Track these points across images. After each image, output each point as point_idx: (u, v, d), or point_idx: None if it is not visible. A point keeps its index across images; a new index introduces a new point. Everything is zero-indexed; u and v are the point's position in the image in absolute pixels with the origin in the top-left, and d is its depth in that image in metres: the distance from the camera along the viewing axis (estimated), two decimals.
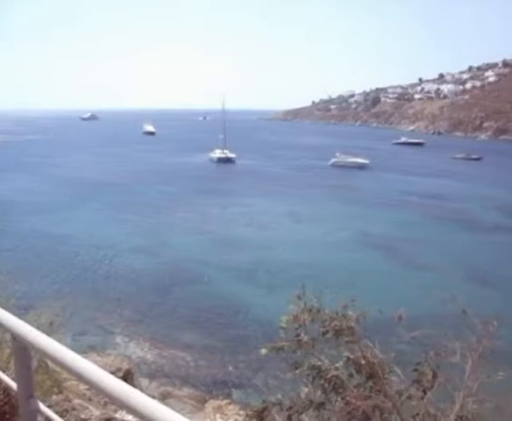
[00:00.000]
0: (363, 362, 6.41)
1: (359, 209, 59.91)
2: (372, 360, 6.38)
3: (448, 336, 6.10)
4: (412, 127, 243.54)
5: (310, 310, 6.85)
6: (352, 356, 6.52)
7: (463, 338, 6.07)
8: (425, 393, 6.32)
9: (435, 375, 6.15)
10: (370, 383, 6.42)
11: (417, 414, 6.11)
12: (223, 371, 23.16)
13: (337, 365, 6.53)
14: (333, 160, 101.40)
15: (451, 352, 6.11)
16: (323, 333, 6.68)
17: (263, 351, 6.96)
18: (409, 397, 6.24)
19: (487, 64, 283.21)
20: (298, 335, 6.75)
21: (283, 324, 6.84)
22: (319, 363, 6.53)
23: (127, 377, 18.11)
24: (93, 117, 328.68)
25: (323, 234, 48.05)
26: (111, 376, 2.44)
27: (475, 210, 61.52)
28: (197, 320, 28.67)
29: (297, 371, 6.68)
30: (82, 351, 19.86)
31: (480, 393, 5.87)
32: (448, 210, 61.50)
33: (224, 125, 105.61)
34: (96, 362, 3.14)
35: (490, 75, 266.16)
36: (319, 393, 6.57)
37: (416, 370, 6.40)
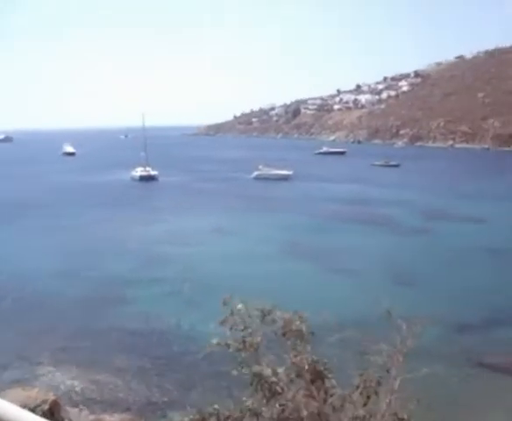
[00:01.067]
0: (306, 367, 6.42)
1: (283, 219, 60.56)
2: (314, 364, 6.41)
3: (374, 338, 6.23)
4: (333, 137, 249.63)
5: (262, 312, 6.85)
6: (294, 360, 6.52)
7: (389, 339, 6.20)
8: (369, 398, 6.40)
9: (379, 383, 6.25)
10: (312, 388, 6.43)
11: (356, 416, 6.18)
12: (155, 391, 22.69)
13: (279, 370, 6.52)
14: (256, 172, 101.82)
15: (378, 353, 6.23)
16: (283, 334, 6.69)
17: (213, 342, 6.91)
18: (351, 402, 6.31)
19: (401, 74, 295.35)
20: (244, 337, 6.74)
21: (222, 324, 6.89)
22: (261, 370, 6.49)
23: (54, 409, 17.34)
24: (7, 139, 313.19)
25: (249, 246, 48.22)
26: (30, 414, 2.26)
27: (396, 215, 63.64)
28: (126, 342, 28.01)
29: (242, 370, 6.65)
30: (6, 386, 18.93)
31: (405, 390, 6.02)
32: (370, 215, 63.35)
33: (146, 143, 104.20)
34: (19, 397, 2.94)
35: (404, 85, 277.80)
36: (260, 399, 6.53)
37: (361, 375, 6.47)
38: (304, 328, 6.66)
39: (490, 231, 55.21)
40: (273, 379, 6.46)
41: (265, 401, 6.49)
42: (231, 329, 6.83)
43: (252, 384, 6.60)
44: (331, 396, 6.33)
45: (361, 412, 6.03)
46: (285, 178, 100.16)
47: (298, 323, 6.66)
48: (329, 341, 6.39)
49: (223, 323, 6.97)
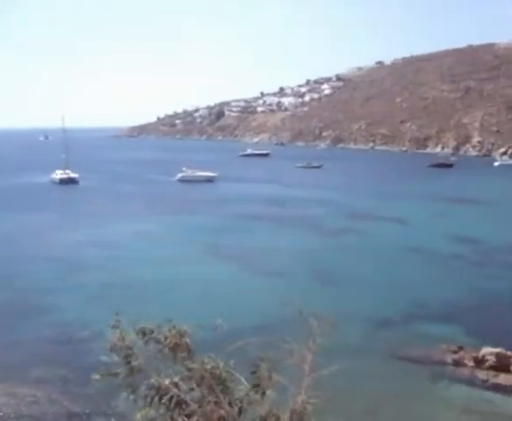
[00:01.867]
0: (205, 375, 6.45)
1: (206, 221, 60.45)
2: (213, 371, 6.46)
3: (287, 338, 6.38)
4: (256, 139, 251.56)
5: (144, 333, 6.79)
6: (190, 370, 6.54)
7: (301, 338, 6.38)
8: (264, 394, 6.50)
9: (270, 377, 6.37)
10: (213, 395, 6.47)
11: (261, 415, 6.28)
12: (78, 402, 22.11)
13: (175, 380, 6.50)
14: (180, 174, 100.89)
15: (290, 352, 6.38)
16: (160, 351, 6.66)
17: (96, 377, 6.77)
18: (251, 402, 6.41)
19: (323, 78, 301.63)
20: (128, 361, 6.65)
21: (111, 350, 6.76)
22: (157, 383, 6.47)
23: None
24: None
25: (172, 249, 47.70)
26: None
27: (318, 215, 64.95)
28: (47, 351, 26.98)
29: (132, 396, 6.55)
30: None
31: (317, 388, 6.20)
32: (292, 216, 64.36)
33: (66, 144, 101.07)
34: None
35: (326, 88, 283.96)
36: (162, 412, 6.49)
37: (253, 373, 6.58)
38: (188, 341, 6.70)
39: (409, 230, 57.36)
40: (174, 389, 6.45)
41: (169, 414, 6.46)
42: (127, 355, 6.70)
43: (147, 397, 6.49)
44: (237, 399, 6.43)
45: (266, 410, 6.16)
46: (209, 180, 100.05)
47: (180, 337, 6.68)
48: (240, 344, 6.51)
49: (112, 350, 6.86)
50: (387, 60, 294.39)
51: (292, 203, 73.72)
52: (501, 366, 25.81)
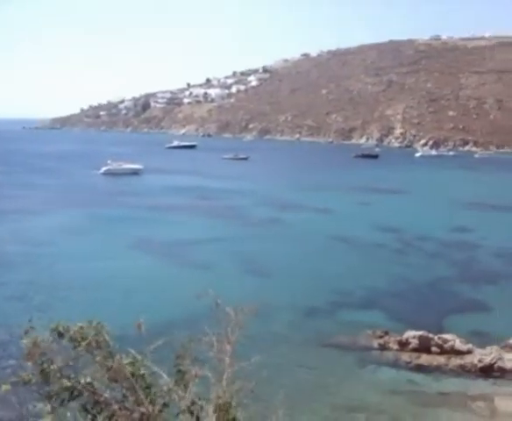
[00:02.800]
0: (125, 373, 6.07)
1: (131, 215, 59.08)
2: (133, 369, 6.09)
3: (207, 330, 6.10)
4: (183, 131, 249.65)
5: (60, 334, 6.24)
6: (109, 369, 6.13)
7: (220, 329, 6.13)
8: (187, 388, 6.20)
9: (192, 371, 6.08)
10: (134, 393, 6.11)
11: (184, 409, 6.00)
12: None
13: (89, 380, 6.06)
14: (105, 167, 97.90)
15: (210, 344, 6.11)
16: (74, 347, 6.18)
17: (3, 387, 6.14)
18: (174, 397, 6.09)
19: (250, 69, 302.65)
20: (43, 368, 6.10)
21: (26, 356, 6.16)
22: (70, 384, 6.00)
23: None
24: None
25: (97, 244, 46.30)
26: None
27: (244, 206, 64.94)
28: None
29: (48, 405, 6.03)
30: None
31: (241, 378, 5.97)
32: (219, 207, 64.03)
33: None
34: None
35: (252, 80, 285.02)
36: (80, 413, 6.06)
37: (175, 367, 6.27)
38: (107, 339, 6.27)
39: (334, 220, 58.31)
40: (91, 389, 6.01)
41: (88, 416, 6.02)
42: (42, 361, 6.12)
43: (63, 401, 6.01)
44: (160, 396, 6.08)
45: (189, 404, 5.86)
46: (135, 173, 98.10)
47: (98, 335, 6.25)
48: (162, 340, 6.09)
49: (27, 358, 6.23)
50: (313, 53, 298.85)
51: (218, 195, 73.38)
52: (423, 347, 26.71)
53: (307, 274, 38.32)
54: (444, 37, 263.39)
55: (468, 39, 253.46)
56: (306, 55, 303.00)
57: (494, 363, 25.41)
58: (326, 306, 32.62)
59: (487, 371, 25.21)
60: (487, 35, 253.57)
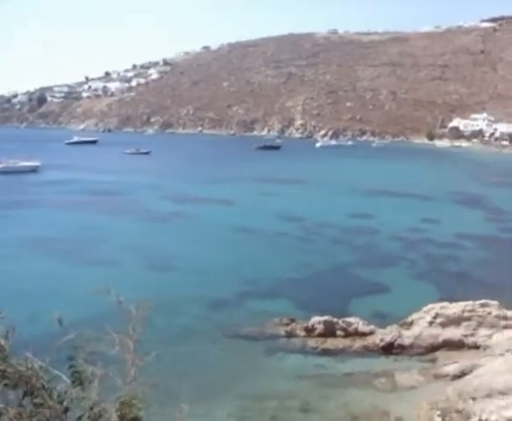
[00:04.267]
0: (21, 377, 5.72)
1: (29, 214, 56.49)
2: (28, 373, 5.75)
3: (107, 329, 5.89)
4: (82, 126, 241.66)
5: None
6: (3, 373, 5.76)
7: (122, 327, 5.93)
8: (88, 388, 5.94)
9: (92, 370, 5.84)
10: (31, 398, 5.78)
11: (86, 410, 5.75)
12: None
13: None
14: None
15: (112, 344, 5.89)
16: None
17: None
18: (74, 399, 5.82)
19: (150, 62, 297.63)
20: None
21: None
22: None
23: None
24: None
25: None
26: None
27: (147, 201, 63.90)
28: None
29: None
30: None
31: (147, 375, 5.83)
32: (121, 203, 62.63)
33: None
34: None
35: (153, 73, 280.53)
36: None
37: (70, 367, 5.98)
38: (2, 342, 5.90)
39: (239, 212, 58.69)
40: None
41: None
42: None
43: None
44: (60, 399, 5.79)
45: (91, 404, 5.63)
46: (33, 170, 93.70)
47: None
48: (60, 340, 5.80)
49: None
50: (214, 45, 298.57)
51: (120, 190, 71.75)
52: (328, 332, 27.50)
53: (212, 266, 38.28)
54: (340, 31, 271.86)
55: (363, 33, 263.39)
56: (207, 48, 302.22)
57: (395, 341, 26.65)
58: (232, 297, 32.77)
59: (388, 349, 26.41)
60: (379, 31, 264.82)
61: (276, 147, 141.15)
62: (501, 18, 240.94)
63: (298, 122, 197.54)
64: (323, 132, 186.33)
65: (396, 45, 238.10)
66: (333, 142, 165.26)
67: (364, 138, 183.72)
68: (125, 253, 41.40)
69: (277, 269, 38.30)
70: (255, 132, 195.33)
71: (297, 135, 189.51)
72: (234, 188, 73.87)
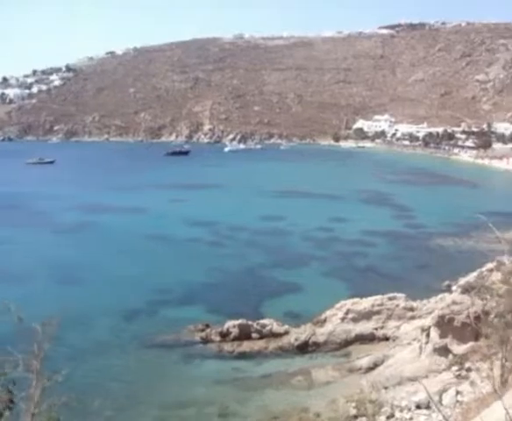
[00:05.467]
0: None
1: None
2: None
3: (9, 350, 5.48)
4: None
5: None
6: None
7: (26, 347, 5.55)
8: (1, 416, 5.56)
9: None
10: None
11: None
12: None
13: None
14: None
15: (15, 365, 5.49)
16: None
17: None
18: None
19: (52, 68, 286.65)
20: None
21: None
22: None
23: None
24: None
25: None
26: None
27: (53, 212, 61.35)
28: None
29: None
30: None
31: (51, 393, 5.49)
32: (27, 216, 59.67)
33: None
34: None
35: (55, 79, 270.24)
36: None
37: None
38: None
39: (148, 219, 57.59)
40: None
41: None
42: None
43: None
44: None
45: None
46: None
47: None
48: None
49: None
50: (119, 50, 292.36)
51: (24, 202, 68.39)
52: (243, 335, 27.66)
53: (123, 277, 37.41)
54: (246, 36, 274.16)
55: (269, 38, 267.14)
56: (111, 53, 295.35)
57: (309, 339, 27.15)
58: (146, 306, 32.20)
59: (303, 347, 26.89)
60: (284, 35, 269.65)
61: (185, 153, 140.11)
62: (398, 26, 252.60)
63: (206, 127, 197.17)
64: (231, 137, 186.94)
65: (301, 49, 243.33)
66: (242, 146, 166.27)
67: (272, 141, 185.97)
68: (31, 268, 39.65)
69: (190, 275, 38.01)
70: (163, 139, 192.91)
71: (206, 140, 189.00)
72: (143, 195, 72.51)
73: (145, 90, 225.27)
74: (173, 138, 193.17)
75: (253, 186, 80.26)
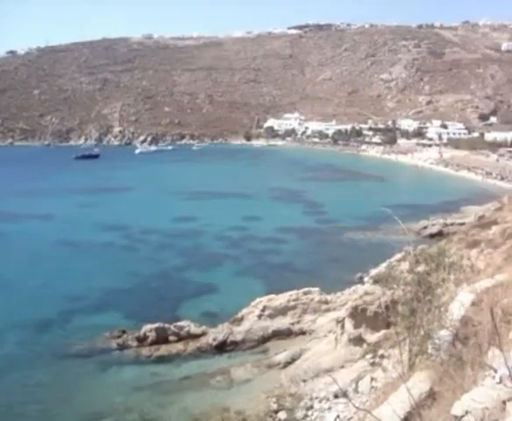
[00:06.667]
0: None
1: None
2: None
3: None
4: None
5: None
6: None
7: None
8: None
9: None
10: None
11: None
12: None
13: None
14: None
15: None
16: None
17: None
18: None
19: None
20: None
21: None
22: None
23: None
24: None
25: None
26: None
27: None
28: None
29: None
30: None
31: None
32: None
33: None
34: None
35: None
36: None
37: None
38: None
39: (58, 226, 55.65)
40: None
41: None
42: None
43: None
44: None
45: None
46: None
47: None
48: None
49: None
50: (21, 50, 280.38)
51: None
52: (161, 338, 27.44)
53: (33, 287, 36.01)
54: (156, 36, 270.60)
55: (178, 38, 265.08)
56: (13, 52, 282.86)
57: (227, 338, 27.29)
58: (58, 316, 31.19)
59: (222, 347, 27.01)
60: (194, 35, 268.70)
61: (95, 156, 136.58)
62: (306, 26, 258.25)
63: (116, 129, 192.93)
64: (142, 138, 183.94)
65: (211, 49, 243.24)
66: (153, 148, 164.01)
67: (183, 141, 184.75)
68: None
69: (103, 281, 37.15)
70: (72, 142, 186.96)
71: (116, 142, 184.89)
72: (52, 200, 69.94)
73: (50, 92, 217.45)
74: (82, 141, 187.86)
75: (165, 188, 79.43)
